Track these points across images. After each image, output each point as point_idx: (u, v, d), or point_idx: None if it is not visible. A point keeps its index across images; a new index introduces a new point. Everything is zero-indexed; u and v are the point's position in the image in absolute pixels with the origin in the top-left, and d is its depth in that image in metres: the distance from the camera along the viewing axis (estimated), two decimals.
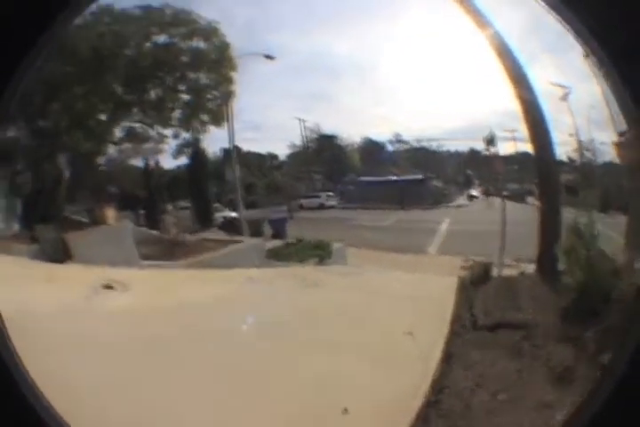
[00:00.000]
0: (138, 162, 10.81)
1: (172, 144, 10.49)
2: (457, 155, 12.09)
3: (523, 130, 6.98)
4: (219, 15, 9.65)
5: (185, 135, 10.40)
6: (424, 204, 12.02)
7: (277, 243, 9.87)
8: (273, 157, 12.83)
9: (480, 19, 6.06)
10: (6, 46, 1.05)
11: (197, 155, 10.85)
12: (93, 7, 7.73)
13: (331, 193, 12.70)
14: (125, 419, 2.85)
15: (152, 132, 10.17)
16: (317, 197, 12.72)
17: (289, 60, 11.17)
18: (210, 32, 9.35)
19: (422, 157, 12.05)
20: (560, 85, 6.89)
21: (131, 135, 10.04)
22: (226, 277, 6.44)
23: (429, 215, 11.97)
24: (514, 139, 8.99)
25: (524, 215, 8.43)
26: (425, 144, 12.01)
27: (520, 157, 9.92)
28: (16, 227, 8.34)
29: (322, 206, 12.46)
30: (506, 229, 7.84)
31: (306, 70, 10.86)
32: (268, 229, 10.93)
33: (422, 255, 8.99)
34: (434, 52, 8.65)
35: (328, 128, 12.14)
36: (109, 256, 6.64)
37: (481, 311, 4.88)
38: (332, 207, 12.60)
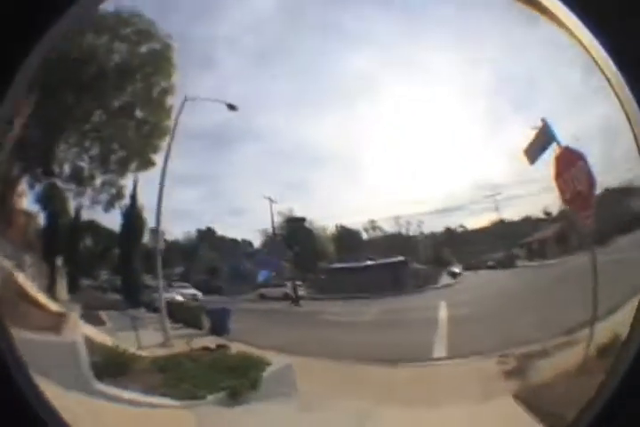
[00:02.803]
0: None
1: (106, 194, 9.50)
2: (432, 236, 12.24)
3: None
4: (212, 90, 10.00)
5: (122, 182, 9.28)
6: (406, 289, 11.02)
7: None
8: (248, 243, 12.71)
9: None
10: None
11: (132, 211, 9.54)
12: None
13: (299, 282, 12.02)
14: None
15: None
16: (282, 286, 12.08)
17: (275, 144, 11.57)
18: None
19: (398, 242, 12.08)
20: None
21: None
22: None
23: (418, 301, 10.47)
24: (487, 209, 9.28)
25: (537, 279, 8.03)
26: (400, 230, 12.11)
27: (494, 227, 10.07)
28: None
29: (287, 297, 11.69)
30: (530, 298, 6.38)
31: (288, 156, 11.19)
32: (206, 322, 9.96)
33: (429, 365, 6.36)
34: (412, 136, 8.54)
35: (302, 215, 12.36)
36: None
37: None
38: (299, 299, 11.67)
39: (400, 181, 10.22)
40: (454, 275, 11.94)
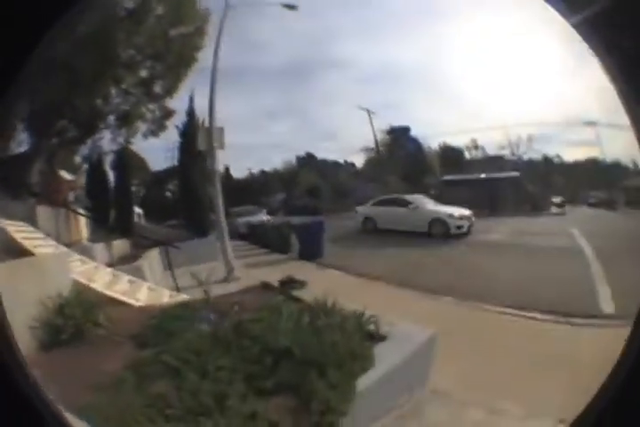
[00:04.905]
0: None
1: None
2: (530, 161, 11.15)
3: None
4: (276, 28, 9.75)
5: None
6: (521, 208, 10.12)
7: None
8: (350, 164, 12.13)
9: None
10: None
11: (188, 128, 8.80)
12: None
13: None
14: None
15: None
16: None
17: (356, 70, 11.11)
18: None
19: (500, 163, 11.18)
20: None
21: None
22: None
23: (544, 225, 9.33)
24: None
25: None
26: (503, 152, 11.24)
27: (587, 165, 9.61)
28: None
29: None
30: None
31: (375, 80, 10.78)
32: (295, 245, 8.38)
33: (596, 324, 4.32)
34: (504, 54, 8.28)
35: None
36: None
37: None
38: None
39: (494, 102, 9.16)
40: (560, 205, 10.54)
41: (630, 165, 7.81)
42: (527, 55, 7.49)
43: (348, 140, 11.16)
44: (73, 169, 9.21)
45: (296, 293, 4.88)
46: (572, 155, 9.68)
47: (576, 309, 4.61)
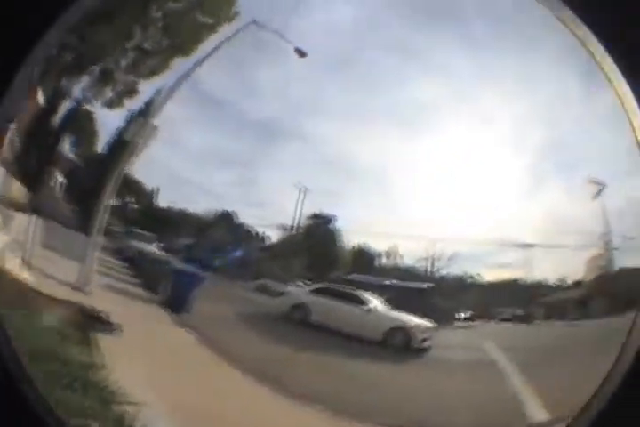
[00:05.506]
0: None
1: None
2: (446, 277, 11.55)
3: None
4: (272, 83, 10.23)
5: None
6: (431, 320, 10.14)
7: None
8: (264, 237, 12.05)
9: None
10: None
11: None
12: None
13: (308, 282, 10.47)
14: None
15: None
16: (287, 281, 10.02)
17: (316, 149, 11.71)
18: None
19: (414, 274, 11.46)
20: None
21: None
22: None
23: (457, 338, 9.11)
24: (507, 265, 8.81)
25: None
26: (420, 264, 11.49)
27: (508, 284, 9.37)
28: None
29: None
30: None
31: (326, 163, 11.31)
32: (166, 289, 7.84)
33: None
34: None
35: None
36: None
37: None
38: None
39: (430, 215, 9.97)
40: (467, 319, 10.71)
41: (555, 284, 8.01)
42: (484, 176, 8.24)
43: (273, 214, 11.35)
44: None
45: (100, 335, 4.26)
46: (493, 275, 9.25)
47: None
